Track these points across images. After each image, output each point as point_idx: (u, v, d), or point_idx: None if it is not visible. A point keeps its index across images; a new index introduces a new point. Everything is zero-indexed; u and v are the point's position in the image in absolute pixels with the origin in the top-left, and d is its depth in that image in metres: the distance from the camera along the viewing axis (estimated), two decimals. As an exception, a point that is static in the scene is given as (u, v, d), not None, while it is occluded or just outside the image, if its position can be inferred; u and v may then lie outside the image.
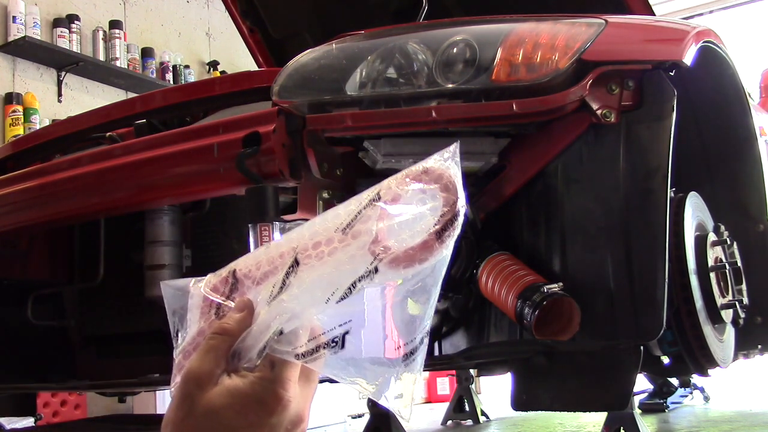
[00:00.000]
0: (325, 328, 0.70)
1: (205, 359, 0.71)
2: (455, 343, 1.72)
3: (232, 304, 0.75)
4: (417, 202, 0.70)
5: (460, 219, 0.70)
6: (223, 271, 0.78)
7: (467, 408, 3.78)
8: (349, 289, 0.69)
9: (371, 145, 1.51)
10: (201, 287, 0.78)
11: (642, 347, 1.46)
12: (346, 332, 0.71)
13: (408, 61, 1.50)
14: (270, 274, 0.73)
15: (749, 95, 2.09)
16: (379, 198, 0.70)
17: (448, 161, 0.71)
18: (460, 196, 0.70)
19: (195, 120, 1.87)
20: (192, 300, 0.78)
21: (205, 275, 0.81)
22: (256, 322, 0.72)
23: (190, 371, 0.71)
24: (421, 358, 0.72)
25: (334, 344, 0.70)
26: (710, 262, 1.81)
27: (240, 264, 0.77)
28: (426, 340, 0.72)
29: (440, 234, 0.69)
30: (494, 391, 4.69)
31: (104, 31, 5.13)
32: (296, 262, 0.71)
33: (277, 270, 0.72)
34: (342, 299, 0.69)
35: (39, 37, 4.67)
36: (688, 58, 1.54)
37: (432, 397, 5.60)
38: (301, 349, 0.69)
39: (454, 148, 0.72)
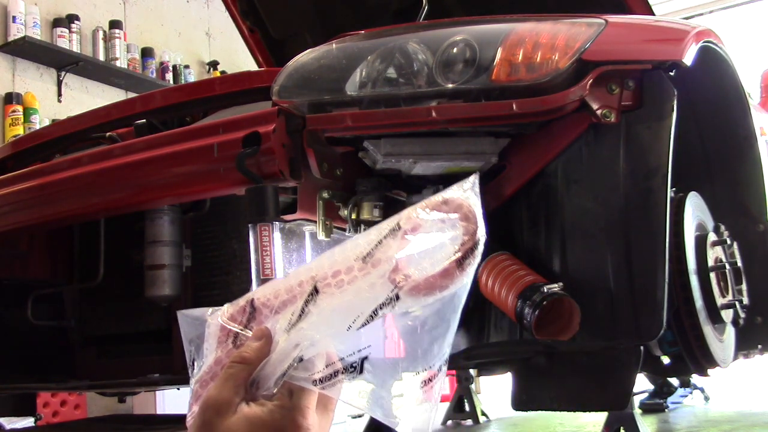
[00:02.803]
0: (344, 354, 0.71)
1: (224, 387, 0.71)
2: (455, 343, 1.71)
3: (249, 333, 0.75)
4: (437, 231, 0.71)
5: (481, 248, 0.71)
6: (241, 301, 0.78)
7: (467, 408, 3.78)
8: (371, 316, 0.69)
9: (371, 145, 1.51)
10: (218, 316, 0.78)
11: (642, 347, 1.46)
12: (365, 358, 0.71)
13: (408, 61, 1.50)
14: (288, 302, 0.74)
15: (749, 95, 2.09)
16: (399, 227, 0.71)
17: (467, 191, 0.73)
18: (480, 225, 0.72)
19: (195, 120, 1.87)
20: (209, 329, 0.78)
21: (222, 305, 0.81)
22: (275, 350, 0.72)
23: (209, 399, 0.71)
24: (438, 386, 0.72)
25: (353, 369, 0.70)
26: (710, 262, 1.81)
27: (258, 293, 0.77)
28: (444, 369, 0.73)
29: (461, 262, 0.70)
30: (494, 391, 4.69)
31: (104, 31, 5.13)
32: (315, 291, 0.71)
33: (296, 298, 0.73)
34: (363, 326, 0.69)
35: (39, 37, 4.67)
36: (688, 58, 1.54)
37: (432, 397, 5.58)
38: (318, 375, 0.70)
39: (474, 179, 0.74)
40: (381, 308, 0.69)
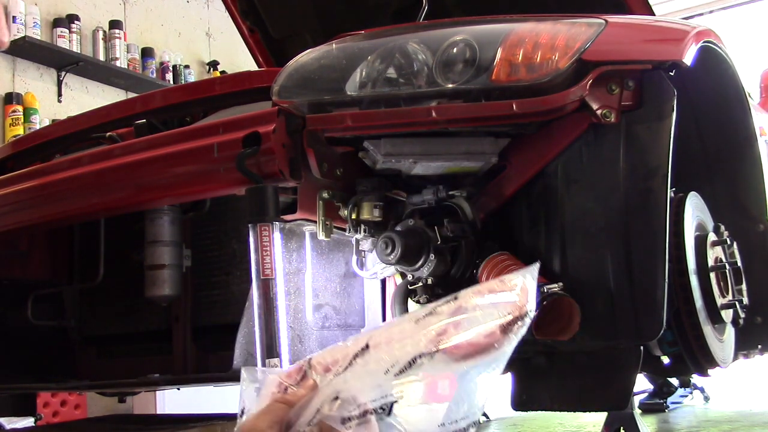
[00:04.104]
0: (376, 396, 0.74)
1: (261, 419, 0.74)
2: (455, 343, 1.72)
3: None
4: (490, 305, 0.77)
5: (527, 321, 0.75)
6: (301, 361, 0.84)
7: (467, 408, 3.77)
8: (409, 363, 0.73)
9: (371, 145, 1.51)
10: (276, 372, 0.83)
11: (642, 347, 1.46)
12: (395, 402, 0.74)
13: (408, 61, 1.50)
14: (341, 360, 0.79)
15: (749, 95, 2.09)
16: (456, 299, 0.77)
17: (526, 276, 0.80)
18: (531, 301, 0.76)
19: (195, 120, 1.87)
20: (265, 383, 0.83)
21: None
22: (316, 395, 0.76)
23: (244, 426, 0.75)
24: None
25: (382, 410, 0.74)
26: (710, 262, 1.80)
27: (316, 354, 0.83)
28: (472, 430, 0.76)
29: (505, 327, 0.75)
30: (494, 391, 4.69)
31: (104, 31, 5.13)
32: (366, 347, 0.77)
33: (348, 356, 0.78)
34: (400, 373, 0.73)
35: (39, 37, 4.67)
36: (688, 58, 1.54)
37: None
38: (348, 414, 0.73)
39: (534, 268, 0.79)
40: (420, 357, 0.73)
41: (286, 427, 0.74)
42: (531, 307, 0.76)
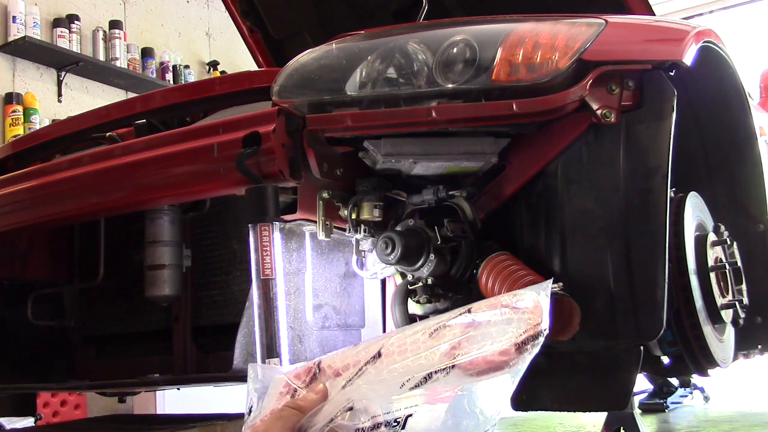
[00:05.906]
0: (390, 409, 0.74)
1: (273, 426, 0.75)
2: (455, 343, 1.72)
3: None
4: (504, 321, 0.77)
5: (541, 340, 0.76)
6: (310, 362, 0.84)
7: (467, 408, 3.76)
8: (424, 378, 0.74)
9: (371, 145, 1.51)
10: (284, 374, 0.83)
11: (642, 347, 1.46)
12: (410, 415, 0.74)
13: (408, 61, 1.50)
14: (352, 365, 0.79)
15: (749, 95, 2.08)
16: (470, 312, 0.77)
17: (540, 293, 0.80)
18: (545, 319, 0.77)
19: (195, 120, 1.87)
20: (273, 383, 0.83)
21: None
22: (328, 402, 0.76)
23: (257, 430, 0.75)
24: None
25: (396, 424, 0.74)
26: (710, 262, 1.80)
27: (326, 357, 0.83)
28: None
29: (520, 346, 0.75)
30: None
31: (104, 31, 5.13)
32: (378, 354, 0.77)
33: (359, 362, 0.78)
34: (415, 387, 0.74)
35: (39, 37, 4.68)
36: (688, 58, 1.54)
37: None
38: (362, 425, 0.73)
39: (548, 284, 0.79)
40: (435, 373, 0.73)
41: None
42: (545, 326, 0.76)
